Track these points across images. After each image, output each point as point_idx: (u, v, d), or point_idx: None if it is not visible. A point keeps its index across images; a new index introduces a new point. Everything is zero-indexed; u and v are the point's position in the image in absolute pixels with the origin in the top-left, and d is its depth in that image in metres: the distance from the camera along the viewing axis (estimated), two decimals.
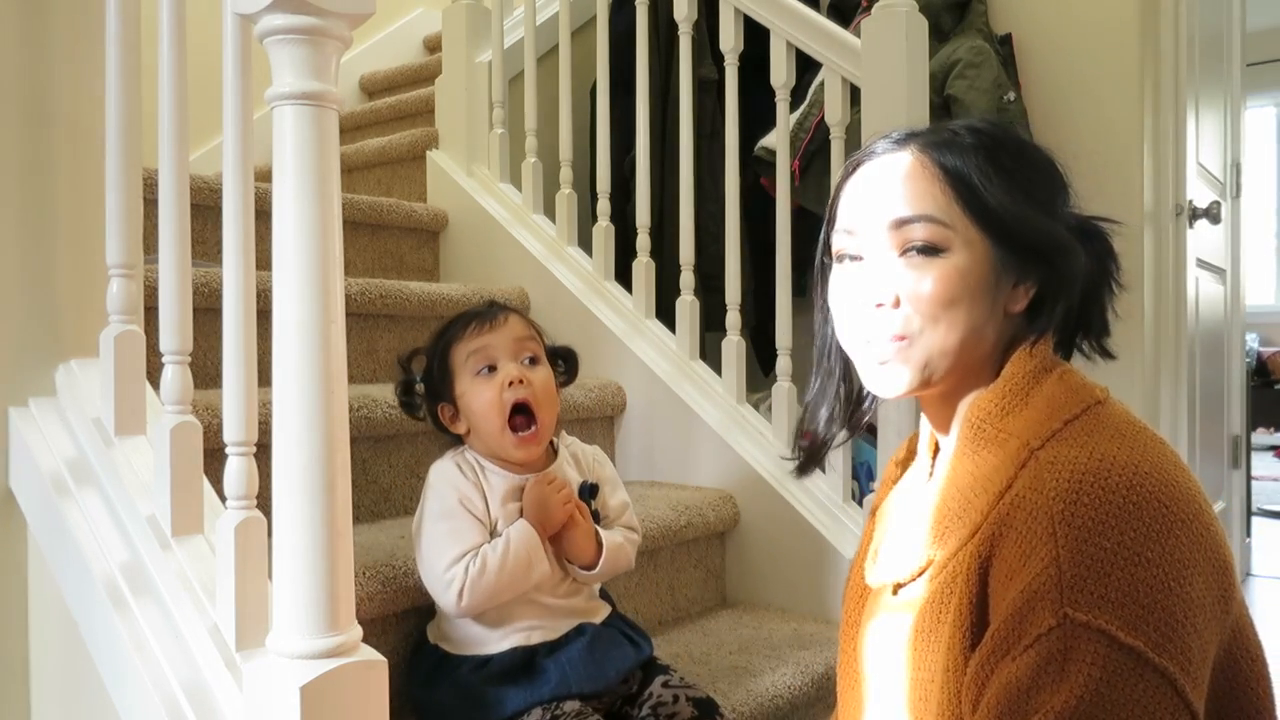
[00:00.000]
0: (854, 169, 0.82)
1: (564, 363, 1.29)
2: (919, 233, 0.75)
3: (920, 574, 0.76)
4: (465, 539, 1.11)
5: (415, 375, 1.24)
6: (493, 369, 1.17)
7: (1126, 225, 0.83)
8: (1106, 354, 0.83)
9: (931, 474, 0.85)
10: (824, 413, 0.89)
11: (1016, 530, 0.67)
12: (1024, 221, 0.75)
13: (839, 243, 0.81)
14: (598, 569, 1.17)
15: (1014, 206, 0.75)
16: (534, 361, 1.19)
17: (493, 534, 1.14)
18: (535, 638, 1.14)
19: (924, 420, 0.87)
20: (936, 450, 0.86)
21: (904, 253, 0.76)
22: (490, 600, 1.10)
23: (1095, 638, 0.62)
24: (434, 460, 1.21)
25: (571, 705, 1.08)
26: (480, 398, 1.16)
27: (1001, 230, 0.75)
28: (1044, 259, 0.76)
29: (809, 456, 0.93)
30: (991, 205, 0.75)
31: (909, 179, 0.76)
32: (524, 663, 1.11)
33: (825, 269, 0.85)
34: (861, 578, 0.88)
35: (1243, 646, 0.71)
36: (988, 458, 0.73)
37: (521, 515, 1.14)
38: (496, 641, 1.13)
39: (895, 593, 0.81)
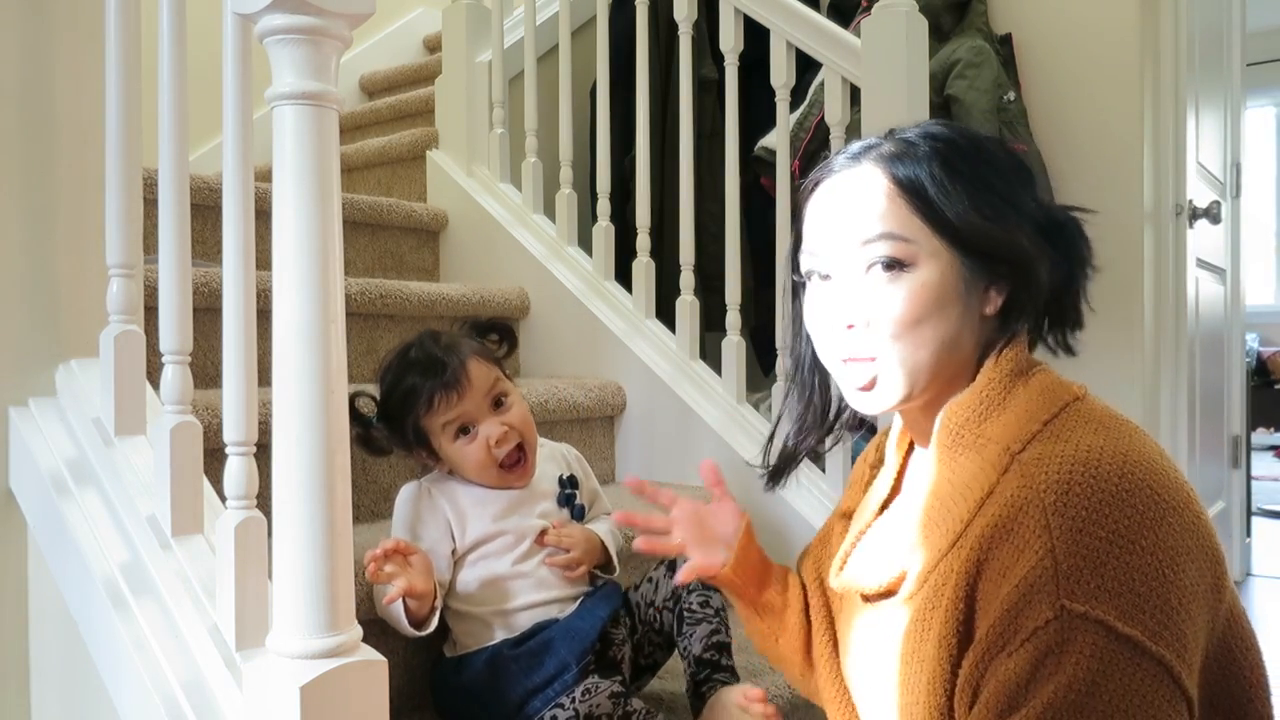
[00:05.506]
0: (814, 186, 0.80)
1: (499, 335, 1.28)
2: (882, 250, 0.73)
3: (897, 584, 0.75)
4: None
5: (370, 418, 1.20)
6: (472, 428, 1.17)
7: (1097, 216, 0.79)
8: (1069, 350, 0.81)
9: (899, 477, 0.85)
10: (794, 425, 0.89)
11: (1009, 532, 0.66)
12: (984, 231, 0.73)
13: (806, 262, 0.80)
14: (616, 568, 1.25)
15: (974, 216, 0.73)
16: (504, 398, 1.19)
17: (472, 548, 1.16)
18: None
19: (895, 420, 0.86)
20: (909, 451, 0.85)
21: (870, 270, 0.74)
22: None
23: (1093, 628, 0.62)
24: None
25: (593, 683, 1.06)
26: (469, 458, 1.17)
27: (962, 240, 0.73)
28: (1010, 264, 0.75)
29: (778, 468, 0.93)
30: (950, 217, 0.73)
31: (868, 195, 0.75)
32: (529, 646, 1.13)
33: (799, 287, 0.83)
34: (819, 573, 0.88)
35: (1237, 635, 0.71)
36: (966, 464, 0.72)
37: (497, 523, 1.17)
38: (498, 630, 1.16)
39: (866, 600, 0.80)
